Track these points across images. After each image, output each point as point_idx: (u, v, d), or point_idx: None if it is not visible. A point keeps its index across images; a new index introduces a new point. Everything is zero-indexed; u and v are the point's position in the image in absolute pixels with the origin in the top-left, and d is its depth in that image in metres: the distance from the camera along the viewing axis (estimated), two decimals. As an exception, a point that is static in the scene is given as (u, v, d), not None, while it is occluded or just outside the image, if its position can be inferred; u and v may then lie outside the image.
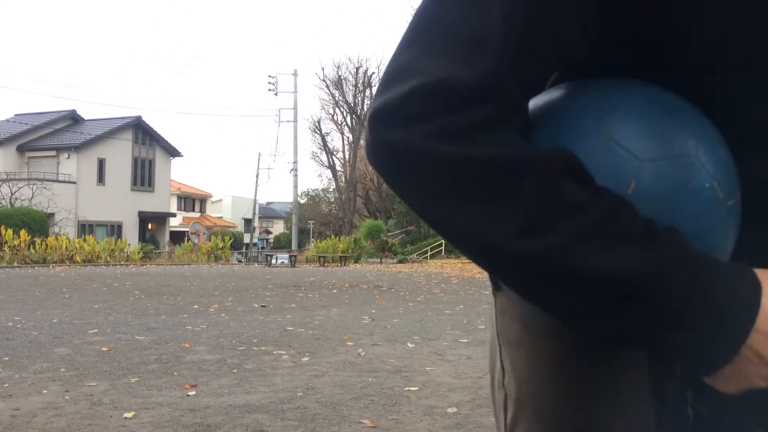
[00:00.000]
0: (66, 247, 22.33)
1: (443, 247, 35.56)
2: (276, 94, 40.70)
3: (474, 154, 0.44)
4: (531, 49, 0.47)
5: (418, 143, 0.45)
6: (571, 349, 0.59)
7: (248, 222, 55.65)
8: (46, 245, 21.86)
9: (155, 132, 38.03)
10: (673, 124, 0.49)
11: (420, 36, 0.49)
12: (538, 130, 0.50)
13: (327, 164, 53.29)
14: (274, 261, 23.82)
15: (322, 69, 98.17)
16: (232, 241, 30.56)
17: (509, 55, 0.46)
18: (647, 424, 0.59)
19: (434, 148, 0.45)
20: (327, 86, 49.41)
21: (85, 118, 37.50)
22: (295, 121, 40.10)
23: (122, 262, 22.83)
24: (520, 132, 0.47)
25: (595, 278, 0.45)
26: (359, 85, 49.02)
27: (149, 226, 38.50)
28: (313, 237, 47.52)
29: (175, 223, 45.65)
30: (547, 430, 0.62)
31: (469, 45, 0.46)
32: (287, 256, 24.77)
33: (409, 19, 0.51)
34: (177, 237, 44.64)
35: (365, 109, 49.85)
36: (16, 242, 21.40)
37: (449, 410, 3.18)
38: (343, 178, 51.61)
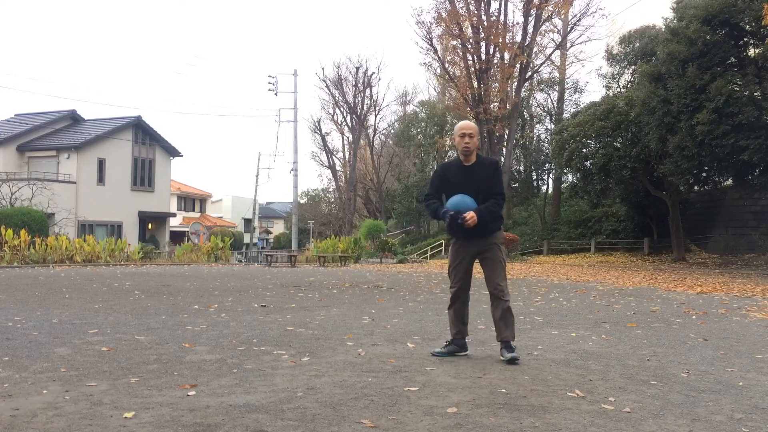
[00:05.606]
0: (66, 247, 22.32)
1: (443, 247, 35.53)
2: (276, 94, 40.69)
3: (426, 205, 4.83)
4: (437, 191, 4.76)
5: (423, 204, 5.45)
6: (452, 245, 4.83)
7: (248, 222, 55.65)
8: (46, 245, 21.85)
9: (155, 132, 38.02)
10: (455, 199, 4.56)
11: (429, 187, 4.88)
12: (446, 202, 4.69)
13: (327, 164, 53.26)
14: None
15: (322, 69, 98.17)
16: (232, 241, 30.54)
17: (435, 191, 4.77)
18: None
19: (425, 206, 4.89)
20: (327, 86, 49.29)
21: (85, 118, 37.49)
22: (295, 121, 40.08)
23: (122, 262, 22.82)
24: (434, 199, 4.76)
25: (431, 213, 4.76)
26: (359, 85, 48.95)
27: (149, 226, 38.50)
28: (313, 237, 47.49)
29: (175, 223, 45.66)
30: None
31: (429, 190, 4.83)
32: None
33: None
34: (177, 237, 44.64)
35: (365, 109, 49.81)
36: (16, 242, 21.40)
37: (449, 410, 3.18)
38: (343, 178, 51.55)
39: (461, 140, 4.65)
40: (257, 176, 51.17)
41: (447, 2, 29.03)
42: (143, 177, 37.24)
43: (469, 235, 4.59)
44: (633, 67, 28.11)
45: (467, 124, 4.77)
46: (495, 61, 29.05)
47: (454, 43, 30.29)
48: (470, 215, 4.44)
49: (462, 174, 4.65)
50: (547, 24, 29.39)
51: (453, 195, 4.60)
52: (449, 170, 4.76)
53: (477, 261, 4.75)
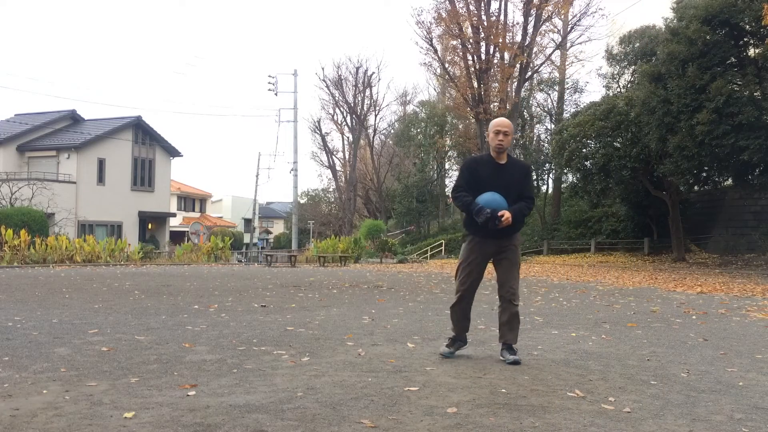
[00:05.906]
0: (66, 247, 22.31)
1: (443, 247, 35.54)
2: (276, 94, 40.70)
3: (456, 197, 4.62)
4: (467, 183, 4.55)
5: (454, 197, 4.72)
6: (465, 245, 4.70)
7: (248, 222, 55.65)
8: (46, 245, 21.84)
9: (155, 132, 38.01)
10: (486, 196, 4.41)
11: (458, 178, 4.70)
12: (477, 198, 4.50)
13: (327, 164, 53.26)
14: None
15: (322, 69, 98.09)
16: (232, 241, 30.52)
17: (465, 184, 4.56)
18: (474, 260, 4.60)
19: (454, 197, 4.65)
20: (327, 86, 49.25)
21: (85, 118, 37.48)
22: (295, 121, 40.09)
23: (122, 262, 22.82)
24: (465, 192, 4.53)
25: (462, 206, 4.56)
26: (359, 85, 48.93)
27: (149, 226, 38.49)
28: (313, 237, 47.48)
29: (175, 223, 45.65)
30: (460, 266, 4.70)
31: (460, 182, 4.64)
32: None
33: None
34: (177, 237, 44.63)
35: (365, 109, 49.80)
36: (16, 242, 21.39)
37: (449, 410, 3.18)
38: (343, 178, 51.53)
39: (495, 137, 4.53)
40: (257, 176, 51.20)
41: (447, 2, 29.04)
42: (143, 177, 37.23)
43: (490, 234, 4.48)
44: (633, 67, 28.09)
45: (503, 121, 4.63)
46: (495, 61, 29.05)
47: (454, 43, 30.30)
48: (506, 215, 4.35)
49: (494, 171, 4.54)
50: (547, 24, 29.41)
51: (481, 190, 4.48)
52: (481, 164, 4.61)
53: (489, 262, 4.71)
